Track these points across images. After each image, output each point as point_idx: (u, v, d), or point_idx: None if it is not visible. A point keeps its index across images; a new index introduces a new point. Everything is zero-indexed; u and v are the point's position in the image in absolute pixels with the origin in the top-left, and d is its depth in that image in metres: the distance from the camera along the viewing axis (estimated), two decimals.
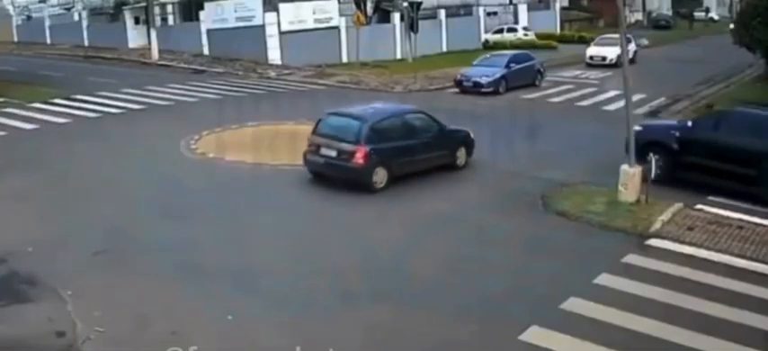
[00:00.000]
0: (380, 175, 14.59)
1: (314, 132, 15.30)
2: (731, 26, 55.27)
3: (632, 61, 31.02)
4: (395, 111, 16.75)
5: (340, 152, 14.54)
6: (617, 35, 37.23)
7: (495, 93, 27.22)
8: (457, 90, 28.07)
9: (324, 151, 14.82)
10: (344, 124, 15.00)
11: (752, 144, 14.23)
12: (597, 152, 16.96)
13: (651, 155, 14.29)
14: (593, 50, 37.38)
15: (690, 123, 16.63)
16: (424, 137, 15.63)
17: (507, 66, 28.58)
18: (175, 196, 14.15)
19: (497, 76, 27.78)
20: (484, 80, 27.41)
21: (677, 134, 15.87)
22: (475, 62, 30.11)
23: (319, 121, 15.46)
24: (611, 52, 35.81)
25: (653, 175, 14.10)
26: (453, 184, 15.37)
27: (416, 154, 15.32)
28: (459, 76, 28.53)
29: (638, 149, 15.62)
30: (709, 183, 14.66)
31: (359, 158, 14.29)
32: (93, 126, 21.19)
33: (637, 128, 16.61)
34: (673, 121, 18.26)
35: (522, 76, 28.85)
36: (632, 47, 34.40)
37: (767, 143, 14.31)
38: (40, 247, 11.00)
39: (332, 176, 14.82)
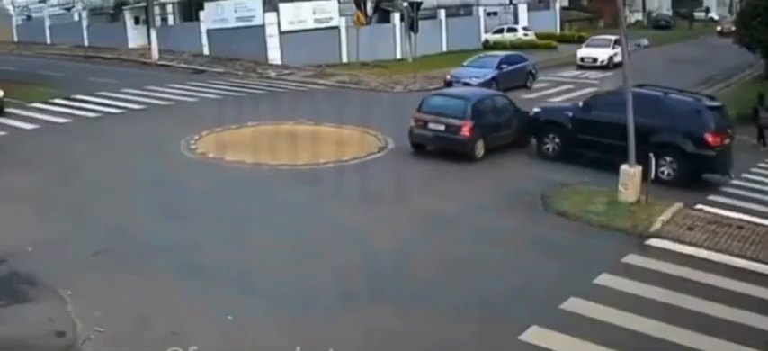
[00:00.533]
0: (480, 147, 16.94)
1: (419, 110, 17.47)
2: (718, 28, 55.68)
3: None
4: (487, 94, 19.89)
5: (448, 126, 16.73)
6: (609, 36, 37.55)
7: None
8: None
9: (432, 126, 16.97)
10: (450, 103, 17.57)
11: (639, 121, 14.61)
12: None
13: (651, 155, 14.29)
14: (583, 52, 36.92)
15: (581, 104, 17.93)
16: (506, 116, 18.13)
17: (498, 67, 28.30)
18: (175, 196, 14.13)
19: (488, 77, 27.30)
20: (474, 81, 26.74)
21: (570, 114, 17.35)
22: (466, 63, 29.78)
23: (423, 100, 17.95)
24: (602, 53, 35.57)
25: (653, 174, 14.08)
26: (453, 185, 15.40)
27: (503, 130, 17.78)
28: (448, 77, 27.91)
29: (537, 129, 17.82)
30: (599, 158, 15.63)
31: (465, 131, 16.67)
32: (93, 126, 21.16)
33: (536, 109, 18.71)
34: (568, 104, 19.86)
35: (513, 78, 28.46)
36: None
37: (652, 119, 15.36)
38: (40, 247, 10.97)
39: (438, 148, 17.05)
